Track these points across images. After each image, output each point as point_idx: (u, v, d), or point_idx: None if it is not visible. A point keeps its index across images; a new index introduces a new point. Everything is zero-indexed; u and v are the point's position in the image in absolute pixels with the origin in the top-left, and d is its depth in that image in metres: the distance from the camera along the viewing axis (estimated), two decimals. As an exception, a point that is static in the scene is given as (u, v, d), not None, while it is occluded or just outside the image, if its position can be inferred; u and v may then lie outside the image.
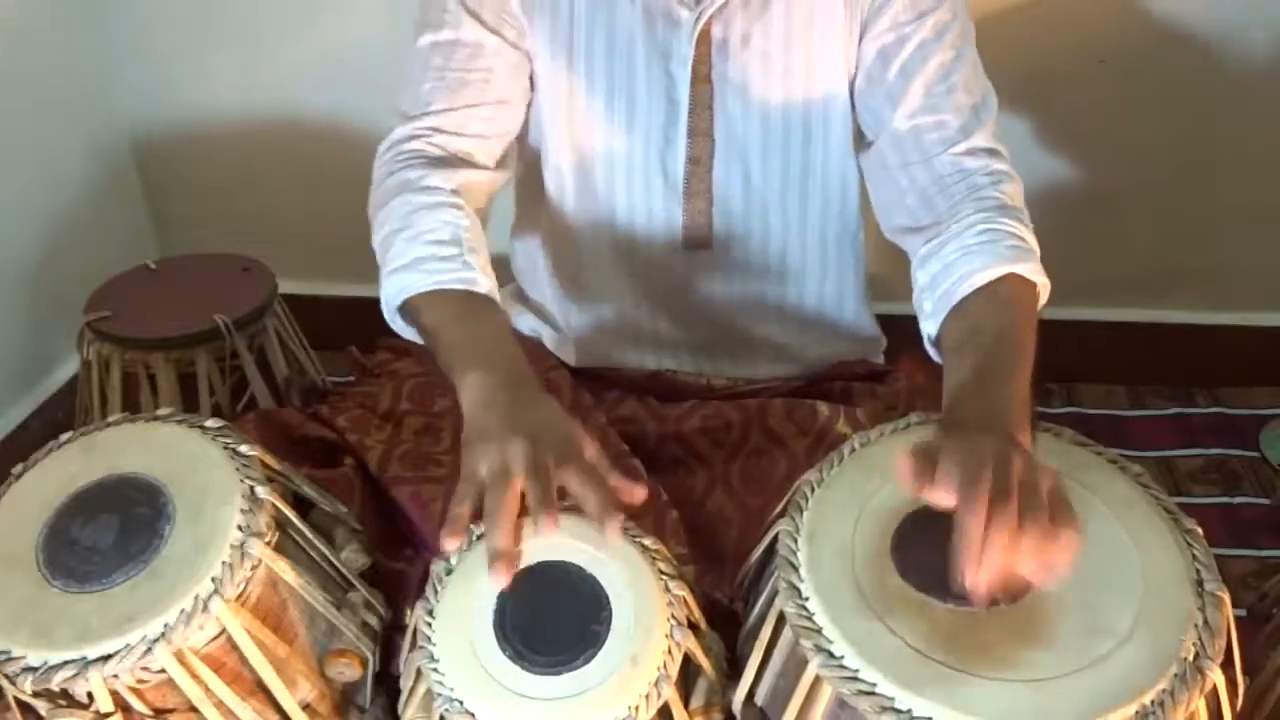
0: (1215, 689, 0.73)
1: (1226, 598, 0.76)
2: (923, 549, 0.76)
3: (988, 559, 0.70)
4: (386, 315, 1.01)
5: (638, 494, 0.83)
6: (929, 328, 0.97)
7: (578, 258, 1.18)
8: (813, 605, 0.75)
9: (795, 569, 0.77)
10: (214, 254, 1.66)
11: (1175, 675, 0.71)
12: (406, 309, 0.99)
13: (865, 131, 1.09)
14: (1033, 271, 0.95)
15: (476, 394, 0.87)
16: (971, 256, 0.95)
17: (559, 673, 0.76)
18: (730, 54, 1.06)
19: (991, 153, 1.02)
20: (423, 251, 0.98)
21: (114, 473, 0.87)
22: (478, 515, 0.81)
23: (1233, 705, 0.76)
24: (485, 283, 0.98)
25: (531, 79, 1.10)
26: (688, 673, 0.81)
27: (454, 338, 0.94)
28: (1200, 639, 0.73)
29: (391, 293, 0.99)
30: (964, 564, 0.71)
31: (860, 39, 1.05)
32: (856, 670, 0.72)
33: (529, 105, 1.11)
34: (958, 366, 0.88)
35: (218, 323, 1.48)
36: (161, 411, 0.93)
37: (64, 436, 0.91)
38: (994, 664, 0.71)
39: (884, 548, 0.78)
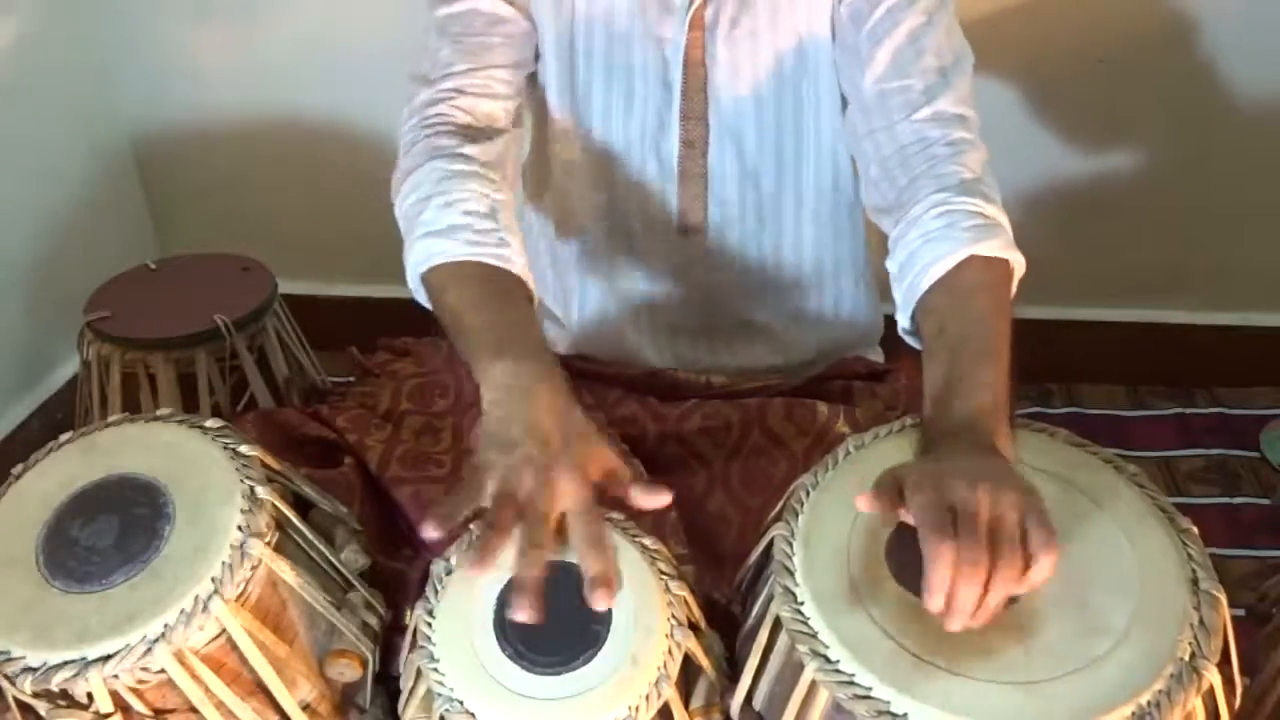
0: (1212, 689, 0.73)
1: (1222, 597, 0.75)
2: (917, 552, 0.75)
3: (958, 604, 0.70)
4: (410, 281, 0.98)
5: (661, 499, 0.81)
6: (901, 320, 0.97)
7: (578, 241, 1.19)
8: (808, 609, 0.75)
9: (791, 573, 0.77)
10: (214, 254, 1.66)
11: (1171, 675, 0.71)
12: (431, 279, 0.96)
13: (846, 99, 1.08)
14: (998, 249, 0.92)
15: (498, 389, 0.85)
16: (931, 244, 0.93)
17: (559, 673, 0.76)
18: (720, 36, 1.06)
19: (958, 119, 1.00)
20: (458, 219, 0.95)
21: (114, 473, 0.87)
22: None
23: (1230, 705, 0.76)
24: (519, 262, 0.96)
25: (536, 51, 1.10)
26: (688, 673, 0.81)
27: (479, 321, 0.91)
28: (1196, 638, 0.73)
29: (420, 258, 0.96)
30: (934, 608, 0.71)
31: (838, 8, 1.05)
32: (852, 675, 0.71)
33: (533, 76, 1.12)
34: (929, 372, 0.88)
35: (218, 323, 1.48)
36: (161, 411, 0.93)
37: (64, 436, 0.91)
38: (990, 666, 0.71)
39: (879, 551, 0.78)
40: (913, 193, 0.98)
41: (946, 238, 0.93)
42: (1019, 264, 0.94)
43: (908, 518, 0.75)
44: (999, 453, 0.80)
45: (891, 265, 0.98)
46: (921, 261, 0.93)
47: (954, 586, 0.70)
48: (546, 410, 0.83)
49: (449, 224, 0.95)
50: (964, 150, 0.98)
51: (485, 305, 0.92)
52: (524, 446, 0.80)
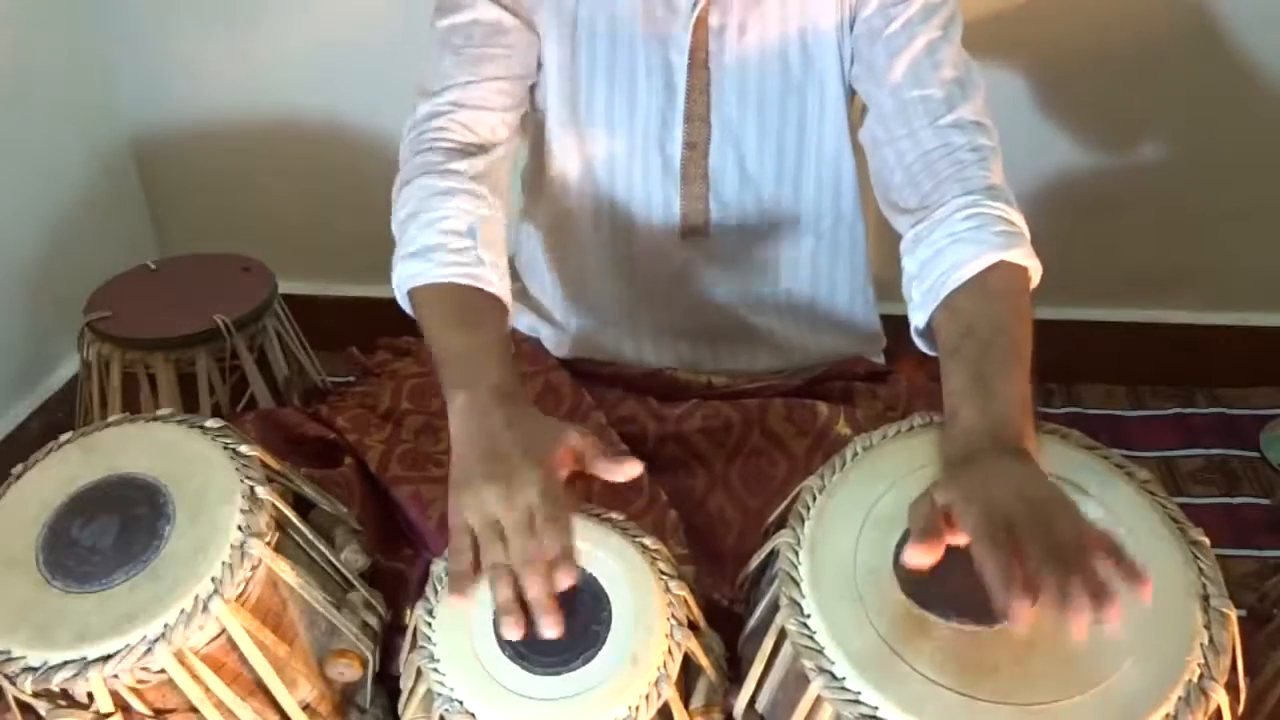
0: (1219, 709, 0.72)
1: (1233, 615, 0.74)
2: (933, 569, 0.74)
3: (1057, 607, 0.68)
4: (399, 299, 1.01)
5: (629, 470, 0.82)
6: (917, 318, 0.96)
7: (579, 246, 1.19)
8: (814, 623, 0.74)
9: (797, 584, 0.76)
10: (214, 254, 1.66)
11: (1180, 699, 0.70)
12: (412, 298, 0.99)
13: (865, 108, 1.09)
14: (1023, 256, 0.93)
15: (462, 423, 0.86)
16: (960, 244, 0.93)
17: (559, 673, 0.76)
18: (727, 41, 1.07)
19: (978, 126, 1.01)
20: (434, 240, 0.97)
21: (114, 473, 0.87)
22: (477, 565, 0.79)
23: (1234, 716, 0.74)
24: (494, 279, 0.97)
25: (538, 60, 1.11)
26: (688, 673, 0.81)
27: (446, 350, 0.93)
28: (1205, 659, 0.72)
29: (401, 279, 0.99)
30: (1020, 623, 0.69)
31: (851, 25, 1.06)
32: (859, 693, 0.71)
33: (534, 87, 1.12)
34: (955, 370, 0.87)
35: (218, 323, 1.48)
36: (161, 411, 0.93)
37: (64, 437, 0.91)
38: (997, 687, 0.70)
39: (887, 561, 0.77)
40: (939, 195, 0.98)
41: (976, 240, 0.93)
42: (1037, 274, 0.95)
43: (958, 541, 0.73)
44: (1028, 456, 0.79)
45: (910, 264, 0.98)
46: (949, 261, 0.93)
47: (1038, 601, 0.68)
48: (502, 427, 0.84)
49: (424, 244, 0.98)
50: (989, 156, 0.99)
51: (454, 330, 0.94)
52: (482, 470, 0.81)
